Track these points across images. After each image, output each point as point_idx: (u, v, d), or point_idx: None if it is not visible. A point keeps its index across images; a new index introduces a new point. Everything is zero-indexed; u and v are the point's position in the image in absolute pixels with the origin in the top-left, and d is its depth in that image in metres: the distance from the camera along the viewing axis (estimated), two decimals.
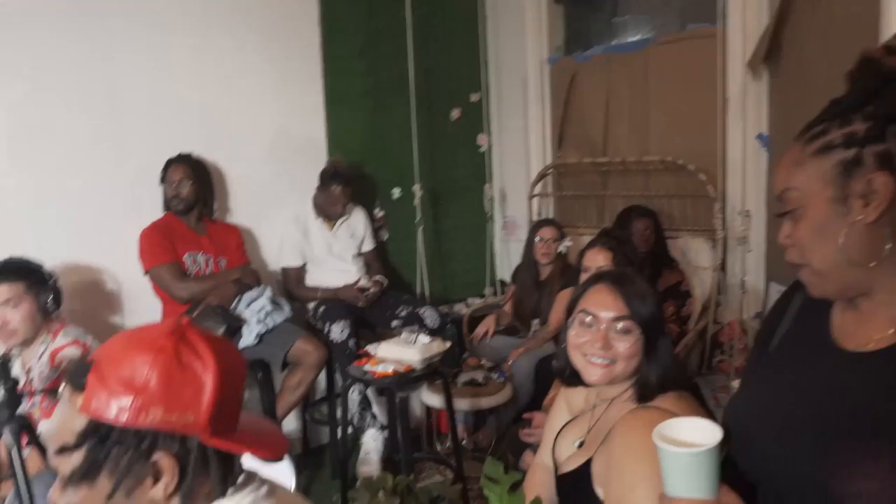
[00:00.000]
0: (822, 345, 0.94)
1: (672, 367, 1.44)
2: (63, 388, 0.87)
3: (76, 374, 0.85)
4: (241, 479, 0.93)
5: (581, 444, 1.52)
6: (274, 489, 0.96)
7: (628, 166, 3.46)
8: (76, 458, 0.83)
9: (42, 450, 1.89)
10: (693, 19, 3.43)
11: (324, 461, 3.29)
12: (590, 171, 3.72)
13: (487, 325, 3.40)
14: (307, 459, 3.34)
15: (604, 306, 1.43)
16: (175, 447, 0.85)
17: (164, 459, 0.84)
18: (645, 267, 3.01)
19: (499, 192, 4.24)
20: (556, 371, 1.65)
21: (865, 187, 0.82)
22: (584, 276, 2.33)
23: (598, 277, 1.53)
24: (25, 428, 1.83)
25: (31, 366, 2.22)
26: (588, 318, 1.44)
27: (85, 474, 0.83)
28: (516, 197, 4.18)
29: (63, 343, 2.21)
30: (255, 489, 0.93)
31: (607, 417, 1.45)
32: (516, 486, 1.37)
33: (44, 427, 2.08)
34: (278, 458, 0.94)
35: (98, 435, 0.83)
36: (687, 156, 3.26)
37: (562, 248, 3.28)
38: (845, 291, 0.90)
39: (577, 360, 1.47)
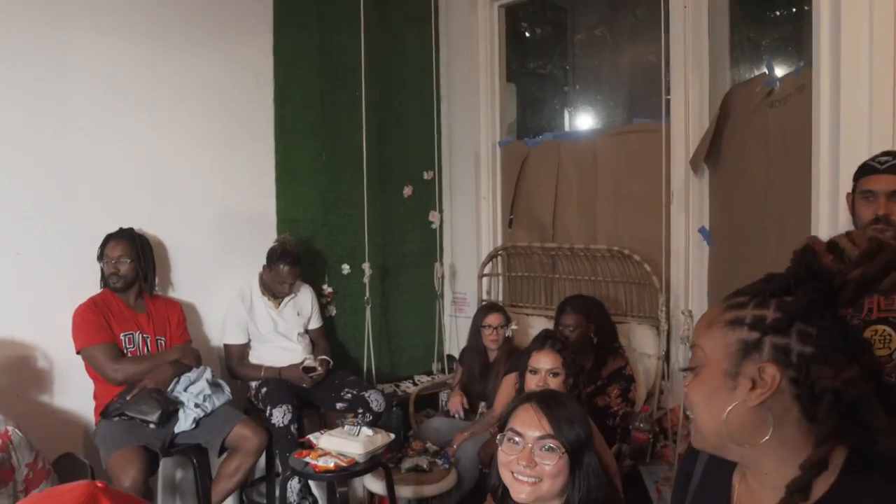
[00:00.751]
0: None
1: (599, 487, 1.47)
2: None
3: None
4: None
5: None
6: None
7: (576, 252, 3.54)
8: None
9: None
10: (639, 114, 3.58)
11: None
12: (539, 254, 3.78)
13: (457, 402, 3.34)
14: None
15: (529, 426, 1.49)
16: None
17: None
18: (589, 357, 3.05)
19: (449, 268, 4.27)
20: (490, 489, 1.66)
21: (755, 373, 0.85)
22: (529, 378, 2.35)
23: (527, 398, 1.58)
24: None
25: None
26: (516, 437, 1.50)
27: None
28: (466, 273, 4.21)
29: None
30: None
31: None
32: None
33: None
34: None
35: None
36: (633, 244, 3.36)
37: (508, 332, 3.30)
38: (723, 455, 0.94)
39: (506, 477, 1.51)
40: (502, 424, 1.57)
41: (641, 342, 3.36)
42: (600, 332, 3.09)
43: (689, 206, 3.22)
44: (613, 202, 3.58)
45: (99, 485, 0.86)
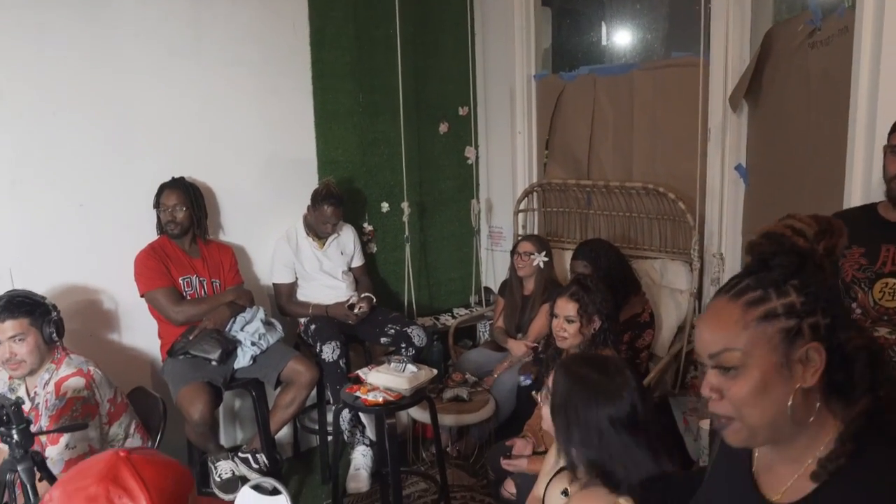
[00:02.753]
0: (746, 485, 1.06)
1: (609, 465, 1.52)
2: None
3: None
4: None
5: (565, 493, 1.68)
6: None
7: (611, 189, 3.58)
8: None
9: (51, 480, 2.00)
10: (677, 48, 3.52)
11: (313, 465, 3.44)
12: (574, 189, 3.83)
13: (522, 348, 3.33)
14: (297, 463, 3.49)
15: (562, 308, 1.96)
16: None
17: None
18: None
19: (485, 203, 4.35)
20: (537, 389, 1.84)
21: (802, 355, 0.94)
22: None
23: (565, 289, 1.72)
24: (38, 465, 1.94)
25: (36, 392, 2.32)
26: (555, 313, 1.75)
27: None
28: (503, 208, 4.28)
29: (67, 373, 2.31)
30: None
31: (582, 482, 1.59)
32: None
33: (50, 452, 2.20)
34: None
35: None
36: (668, 180, 3.39)
37: (538, 261, 3.39)
38: (770, 442, 1.01)
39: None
40: None
41: (673, 278, 3.44)
42: (610, 277, 3.04)
43: (726, 143, 3.21)
44: (650, 138, 3.57)
45: (121, 454, 0.99)
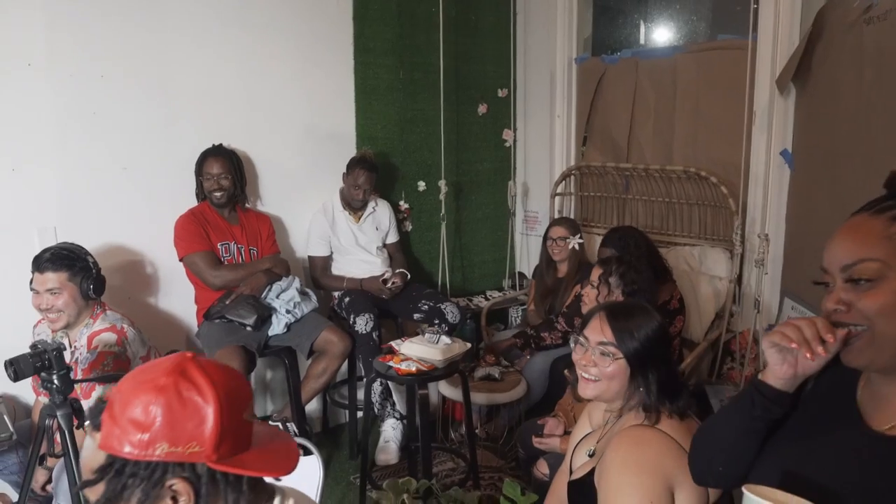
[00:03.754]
0: (848, 418, 1.03)
1: (662, 397, 1.54)
2: (87, 426, 0.97)
3: (94, 413, 0.95)
4: (270, 495, 1.03)
5: (592, 454, 1.66)
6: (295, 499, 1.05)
7: (651, 173, 3.52)
8: (99, 490, 0.93)
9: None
10: (723, 30, 3.45)
11: (341, 441, 3.44)
12: (612, 174, 3.78)
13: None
14: (326, 438, 3.50)
15: (593, 332, 1.62)
16: (186, 473, 0.93)
17: (178, 484, 0.93)
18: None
19: (521, 186, 4.32)
20: (570, 382, 1.80)
21: None
22: (586, 288, 2.46)
23: (601, 307, 1.68)
24: (76, 411, 1.97)
25: (76, 346, 2.36)
26: (582, 340, 1.65)
27: (108, 502, 0.93)
28: (539, 192, 4.25)
29: (100, 328, 2.35)
30: None
31: (612, 431, 1.62)
32: None
33: (86, 406, 2.23)
34: (287, 474, 1.02)
35: (114, 469, 0.92)
36: (710, 166, 3.32)
37: (573, 244, 3.35)
38: (886, 366, 0.98)
39: (578, 375, 1.67)
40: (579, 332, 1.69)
41: (713, 265, 3.37)
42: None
43: (772, 127, 3.14)
44: (692, 122, 3.51)
45: (188, 355, 1.00)
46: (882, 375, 1.01)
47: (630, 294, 2.42)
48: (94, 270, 2.38)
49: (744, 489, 0.98)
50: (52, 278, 2.28)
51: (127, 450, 0.90)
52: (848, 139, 2.67)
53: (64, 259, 2.32)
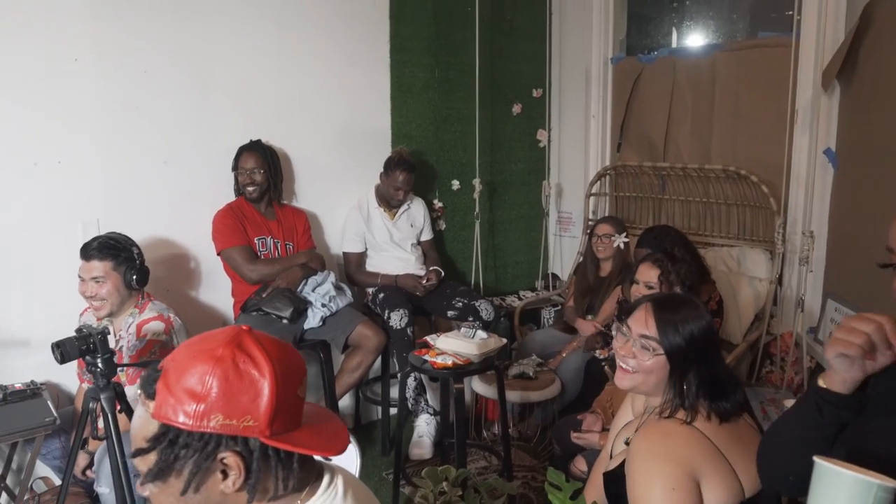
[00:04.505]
0: None
1: (701, 398, 1.49)
2: (138, 394, 0.94)
3: (147, 382, 0.93)
4: (319, 473, 1.02)
5: (629, 443, 1.63)
6: (348, 485, 1.04)
7: (688, 172, 3.48)
8: (150, 459, 0.91)
9: (130, 413, 2.06)
10: (763, 27, 3.41)
11: (374, 437, 3.44)
12: (648, 174, 3.74)
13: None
14: (358, 435, 3.48)
15: (637, 322, 1.58)
16: (238, 447, 0.91)
17: (230, 458, 0.91)
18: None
19: (555, 187, 4.30)
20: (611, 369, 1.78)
21: None
22: (634, 288, 2.42)
23: (649, 298, 1.64)
24: (119, 396, 2.00)
25: (121, 335, 2.39)
26: (624, 329, 1.61)
27: (158, 473, 0.91)
28: (573, 193, 4.23)
29: (149, 317, 2.38)
30: (331, 492, 1.00)
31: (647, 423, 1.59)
32: (577, 494, 1.48)
33: (128, 391, 2.26)
34: (338, 454, 1.00)
35: (167, 439, 0.90)
36: (749, 166, 3.28)
37: (618, 242, 3.32)
38: None
39: (617, 363, 1.63)
40: (620, 320, 1.66)
41: (752, 266, 3.31)
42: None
43: (815, 126, 3.08)
44: (731, 122, 3.47)
45: (244, 328, 0.98)
46: None
47: (689, 289, 2.38)
48: (138, 261, 2.42)
49: (815, 458, 0.95)
50: (97, 267, 2.33)
51: (181, 419, 0.88)
52: (894, 137, 2.61)
53: (110, 248, 2.36)
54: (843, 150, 3.01)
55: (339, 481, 1.03)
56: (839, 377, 1.03)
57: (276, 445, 0.92)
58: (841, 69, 2.88)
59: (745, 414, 1.57)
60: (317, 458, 1.05)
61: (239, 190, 3.05)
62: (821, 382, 1.06)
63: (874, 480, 0.89)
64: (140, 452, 0.92)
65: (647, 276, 2.38)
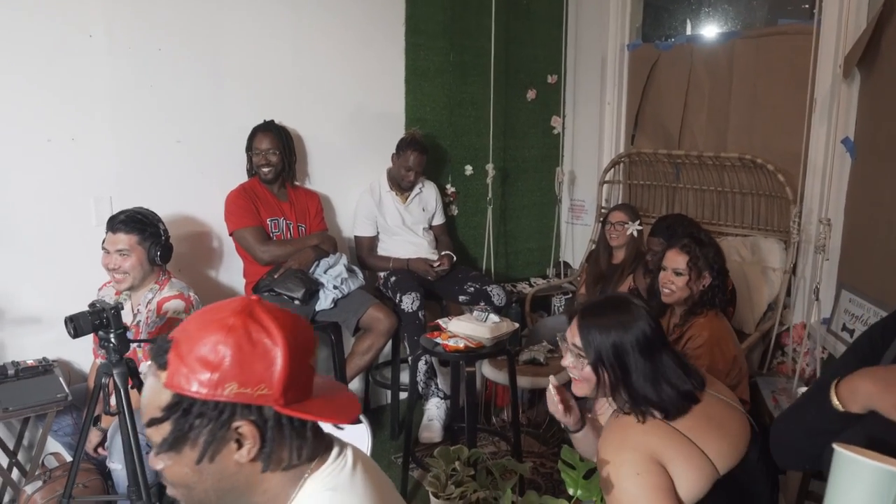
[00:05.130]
0: None
1: (644, 401, 1.52)
2: (148, 365, 0.94)
3: (158, 352, 0.92)
4: (328, 445, 1.02)
5: None
6: (357, 458, 1.03)
7: (704, 160, 3.44)
8: (164, 429, 0.91)
9: (142, 388, 2.06)
10: (783, 14, 3.36)
11: (383, 421, 3.44)
12: (663, 162, 3.71)
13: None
14: (367, 418, 3.47)
15: (570, 332, 1.62)
16: (253, 416, 0.91)
17: (245, 427, 0.91)
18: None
19: (569, 174, 4.27)
20: None
21: None
22: (662, 275, 2.40)
23: (580, 305, 1.68)
24: (131, 371, 2.00)
25: (139, 309, 2.40)
26: (559, 337, 1.67)
27: (172, 443, 0.91)
28: (586, 180, 4.20)
29: (169, 294, 2.40)
30: (340, 463, 1.00)
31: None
32: (591, 473, 1.48)
33: (143, 367, 2.26)
34: (350, 423, 1.00)
35: (181, 408, 0.89)
36: (765, 154, 3.24)
37: (632, 230, 3.30)
38: None
39: None
40: None
41: (767, 255, 3.28)
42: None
43: (834, 115, 3.04)
44: (748, 110, 3.43)
45: (254, 298, 0.97)
46: None
47: (718, 274, 2.36)
48: (163, 237, 2.43)
49: (835, 446, 0.94)
50: (123, 239, 2.35)
51: (195, 388, 0.88)
52: None
53: (137, 222, 2.38)
54: (862, 139, 2.96)
55: (349, 453, 1.03)
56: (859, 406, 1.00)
57: (290, 414, 0.92)
58: (862, 57, 2.84)
59: (708, 391, 1.58)
60: (327, 430, 1.05)
61: (252, 171, 3.04)
62: (835, 401, 1.03)
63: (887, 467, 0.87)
64: (154, 422, 0.91)
65: (676, 262, 2.36)
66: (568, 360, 1.60)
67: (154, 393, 0.92)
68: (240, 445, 0.92)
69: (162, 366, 0.91)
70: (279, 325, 0.92)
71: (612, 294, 2.43)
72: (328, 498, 0.95)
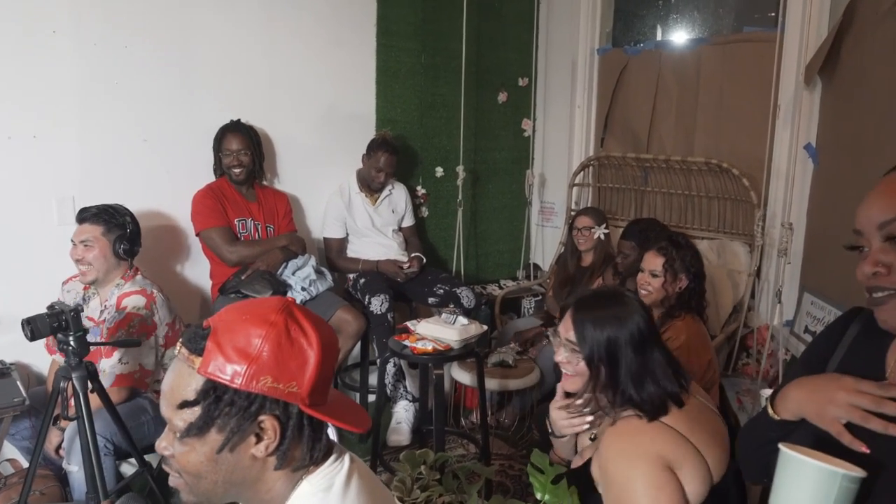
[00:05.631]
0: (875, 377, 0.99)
1: (638, 396, 1.49)
2: (179, 348, 0.95)
3: (194, 338, 0.94)
4: (327, 451, 1.02)
5: (594, 438, 1.64)
6: (354, 464, 1.05)
7: (671, 164, 3.49)
8: (192, 414, 0.92)
9: (101, 392, 2.02)
10: (748, 22, 3.42)
11: None
12: (632, 165, 3.75)
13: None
14: None
15: (563, 326, 1.57)
16: (278, 412, 0.94)
17: (269, 421, 0.93)
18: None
19: (539, 177, 4.29)
20: None
21: None
22: (639, 276, 2.42)
23: (573, 299, 1.61)
24: (91, 375, 1.96)
25: (106, 305, 2.37)
26: (554, 337, 1.60)
27: (201, 428, 0.92)
28: (556, 183, 4.23)
29: (131, 290, 2.36)
30: (336, 466, 1.01)
31: (605, 423, 1.57)
32: (559, 478, 1.47)
33: (104, 365, 2.22)
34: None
35: (214, 395, 0.92)
36: (731, 159, 3.29)
37: (598, 234, 3.33)
38: None
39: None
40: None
41: (732, 259, 3.34)
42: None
43: (797, 121, 3.10)
44: (714, 116, 3.48)
45: (290, 299, 1.01)
46: None
47: (694, 277, 2.38)
48: (129, 231, 2.40)
49: (780, 446, 0.95)
50: (87, 230, 2.33)
51: (230, 377, 0.90)
52: (876, 132, 2.63)
53: (102, 213, 2.37)
54: (824, 145, 3.03)
55: (347, 458, 1.05)
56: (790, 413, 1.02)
57: (313, 414, 0.95)
58: (823, 65, 2.90)
59: (694, 395, 1.56)
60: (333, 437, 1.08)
61: (220, 171, 3.01)
62: (770, 411, 1.05)
63: (839, 470, 0.88)
64: (186, 405, 0.92)
65: (653, 264, 2.38)
66: (561, 356, 1.56)
67: (184, 378, 0.93)
68: (258, 439, 0.94)
69: (198, 352, 0.92)
70: (315, 329, 0.96)
71: (605, 286, 2.40)
72: (321, 499, 0.97)
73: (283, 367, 0.92)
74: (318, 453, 0.99)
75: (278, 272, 2.93)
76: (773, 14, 3.12)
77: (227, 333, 0.92)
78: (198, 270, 3.04)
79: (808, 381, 1.02)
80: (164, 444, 0.96)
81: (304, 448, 0.98)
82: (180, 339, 0.96)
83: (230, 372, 0.90)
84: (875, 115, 2.62)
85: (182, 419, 0.93)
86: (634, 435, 1.44)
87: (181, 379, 0.94)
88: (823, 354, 1.11)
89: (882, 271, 0.93)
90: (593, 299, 1.60)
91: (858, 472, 0.89)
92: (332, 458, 1.03)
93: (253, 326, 0.92)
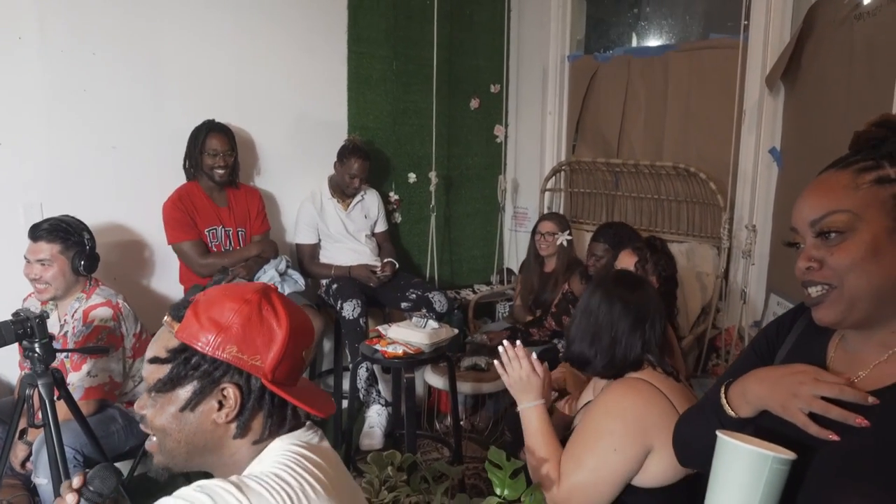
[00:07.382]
0: None
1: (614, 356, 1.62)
2: (166, 317, 1.04)
3: (178, 307, 1.04)
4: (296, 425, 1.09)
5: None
6: (324, 440, 1.11)
7: (641, 169, 3.54)
8: (162, 371, 1.01)
9: (69, 400, 2.01)
10: (715, 29, 3.49)
11: (326, 429, 3.37)
12: (602, 170, 3.80)
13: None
14: None
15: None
16: (241, 382, 1.02)
17: (230, 389, 1.01)
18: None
19: (511, 182, 4.33)
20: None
21: None
22: None
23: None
24: (58, 382, 1.94)
25: (66, 320, 2.33)
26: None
27: (166, 384, 1.01)
28: (528, 189, 4.27)
29: (96, 302, 2.32)
30: (309, 433, 1.08)
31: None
32: (517, 473, 1.50)
33: (72, 378, 2.20)
34: (325, 416, 1.09)
35: (183, 356, 1.01)
36: (699, 163, 3.35)
37: (561, 240, 3.36)
38: (861, 321, 0.95)
39: None
40: None
41: (700, 261, 3.39)
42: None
43: (760, 126, 3.17)
44: (682, 121, 3.54)
45: (272, 286, 1.10)
46: (856, 332, 0.99)
47: (666, 280, 2.44)
48: (88, 246, 2.35)
49: (718, 433, 0.98)
50: (44, 249, 2.26)
51: (201, 343, 0.99)
52: (837, 136, 2.68)
53: (59, 231, 2.30)
54: (788, 149, 3.10)
55: (321, 433, 1.10)
56: (751, 408, 1.04)
57: (276, 391, 1.02)
58: (785, 71, 2.97)
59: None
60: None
61: (193, 172, 2.98)
62: (727, 409, 1.06)
63: (769, 453, 0.92)
64: (157, 360, 1.02)
65: (626, 262, 2.44)
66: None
67: (163, 340, 1.04)
68: (220, 407, 1.01)
69: (178, 318, 1.02)
70: (287, 313, 1.04)
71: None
72: (295, 450, 1.02)
73: (250, 340, 1.00)
74: (280, 429, 1.05)
75: (255, 277, 2.94)
76: (746, 22, 3.18)
77: (206, 305, 1.02)
78: (168, 278, 3.02)
79: (766, 374, 1.03)
80: (142, 404, 1.05)
81: (263, 421, 1.04)
82: (170, 310, 1.05)
83: (201, 338, 0.99)
84: (835, 117, 2.69)
85: (153, 375, 1.02)
86: (625, 394, 1.55)
87: (160, 341, 1.04)
88: (772, 345, 1.14)
89: (815, 266, 0.95)
90: (616, 281, 1.73)
91: (788, 455, 0.93)
92: (307, 426, 1.10)
93: (229, 301, 1.02)
